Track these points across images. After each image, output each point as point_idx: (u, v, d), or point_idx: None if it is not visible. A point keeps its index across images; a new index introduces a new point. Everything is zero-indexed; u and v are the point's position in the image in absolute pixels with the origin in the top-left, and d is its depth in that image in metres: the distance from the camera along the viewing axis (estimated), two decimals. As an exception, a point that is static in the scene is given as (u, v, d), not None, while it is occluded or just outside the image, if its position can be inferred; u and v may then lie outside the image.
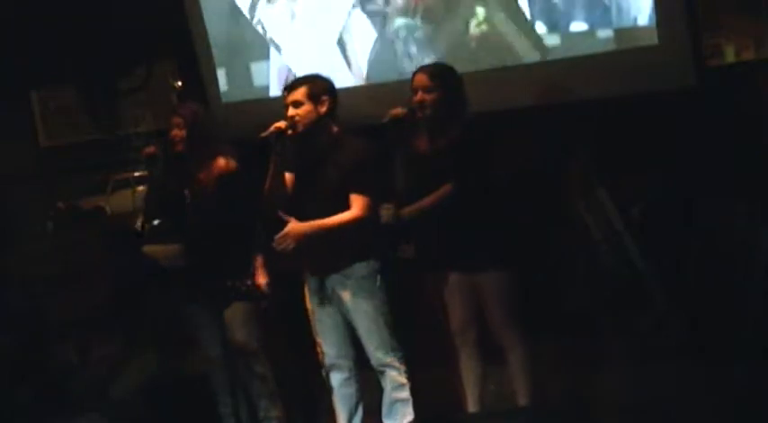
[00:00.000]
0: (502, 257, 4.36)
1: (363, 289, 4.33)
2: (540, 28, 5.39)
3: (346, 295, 4.36)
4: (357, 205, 4.23)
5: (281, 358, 4.99)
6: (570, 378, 4.96)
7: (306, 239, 4.21)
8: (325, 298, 4.42)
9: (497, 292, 4.37)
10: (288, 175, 4.38)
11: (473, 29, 5.59)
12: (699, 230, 5.16)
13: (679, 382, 4.71)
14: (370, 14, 5.95)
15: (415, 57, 5.77)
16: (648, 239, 5.35)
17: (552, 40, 5.37)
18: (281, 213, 4.20)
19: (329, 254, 4.32)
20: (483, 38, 5.58)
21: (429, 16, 5.72)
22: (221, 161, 4.74)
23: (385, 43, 5.91)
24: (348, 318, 4.41)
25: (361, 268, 4.33)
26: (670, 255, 5.23)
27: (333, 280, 4.38)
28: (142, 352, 6.16)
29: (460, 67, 4.47)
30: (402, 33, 5.83)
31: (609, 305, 5.41)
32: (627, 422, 4.60)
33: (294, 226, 4.19)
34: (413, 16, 5.79)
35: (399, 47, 5.85)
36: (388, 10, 5.85)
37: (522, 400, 4.45)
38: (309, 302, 4.50)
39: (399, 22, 5.83)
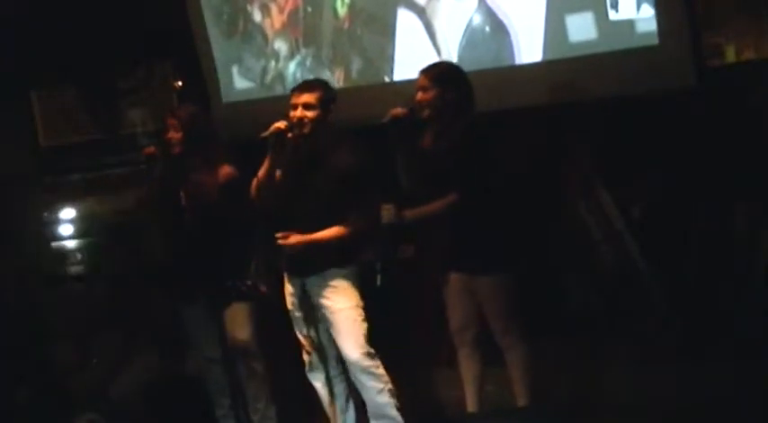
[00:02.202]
0: (501, 260, 4.36)
1: (341, 291, 4.35)
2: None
3: (323, 297, 4.37)
4: (351, 218, 4.27)
5: (279, 358, 4.99)
6: (570, 378, 4.96)
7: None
8: (305, 298, 4.44)
9: (496, 295, 4.36)
10: (276, 173, 4.41)
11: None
12: (699, 231, 5.15)
13: (679, 382, 4.71)
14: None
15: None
16: (648, 239, 5.35)
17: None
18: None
19: (309, 256, 4.34)
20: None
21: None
22: (227, 168, 4.73)
23: (476, 30, 5.63)
24: (325, 319, 4.42)
25: (339, 271, 4.34)
26: (670, 255, 5.23)
27: (312, 281, 4.40)
28: (142, 352, 6.16)
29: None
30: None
31: (609, 305, 5.42)
32: (627, 422, 4.60)
33: (294, 239, 4.25)
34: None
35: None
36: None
37: (522, 401, 4.44)
38: (289, 302, 4.51)
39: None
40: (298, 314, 4.50)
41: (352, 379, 4.43)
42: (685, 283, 5.16)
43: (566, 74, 5.26)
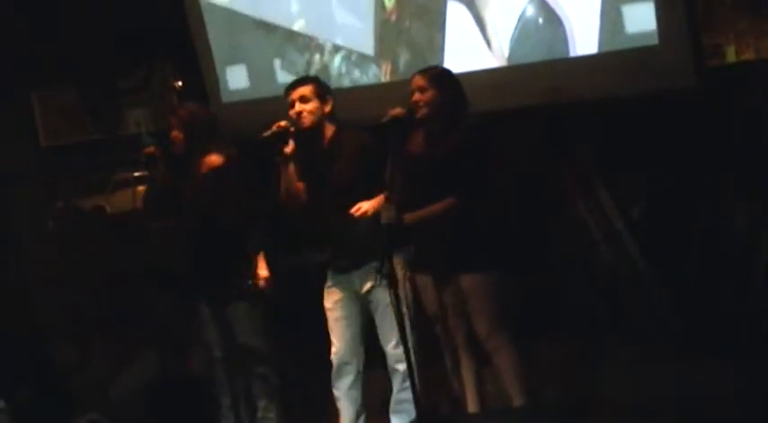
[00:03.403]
0: (484, 258, 4.34)
1: (384, 285, 4.34)
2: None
3: (375, 289, 4.40)
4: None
5: (281, 358, 4.99)
6: (570, 378, 4.96)
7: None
8: (351, 293, 4.47)
9: (477, 293, 4.34)
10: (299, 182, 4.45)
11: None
12: (699, 230, 5.16)
13: (679, 382, 4.71)
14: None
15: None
16: (648, 239, 5.35)
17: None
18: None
19: (363, 247, 4.36)
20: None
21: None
22: (212, 157, 4.76)
23: (529, 21, 5.45)
24: (370, 313, 4.45)
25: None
26: (670, 255, 5.23)
27: (362, 274, 4.42)
28: (142, 352, 6.16)
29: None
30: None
31: (609, 305, 5.42)
32: (627, 422, 4.60)
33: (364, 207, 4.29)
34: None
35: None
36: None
37: (517, 401, 4.43)
38: (328, 301, 4.54)
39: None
40: (338, 314, 4.52)
41: (389, 367, 4.48)
42: (685, 283, 5.17)
43: (566, 74, 5.27)
